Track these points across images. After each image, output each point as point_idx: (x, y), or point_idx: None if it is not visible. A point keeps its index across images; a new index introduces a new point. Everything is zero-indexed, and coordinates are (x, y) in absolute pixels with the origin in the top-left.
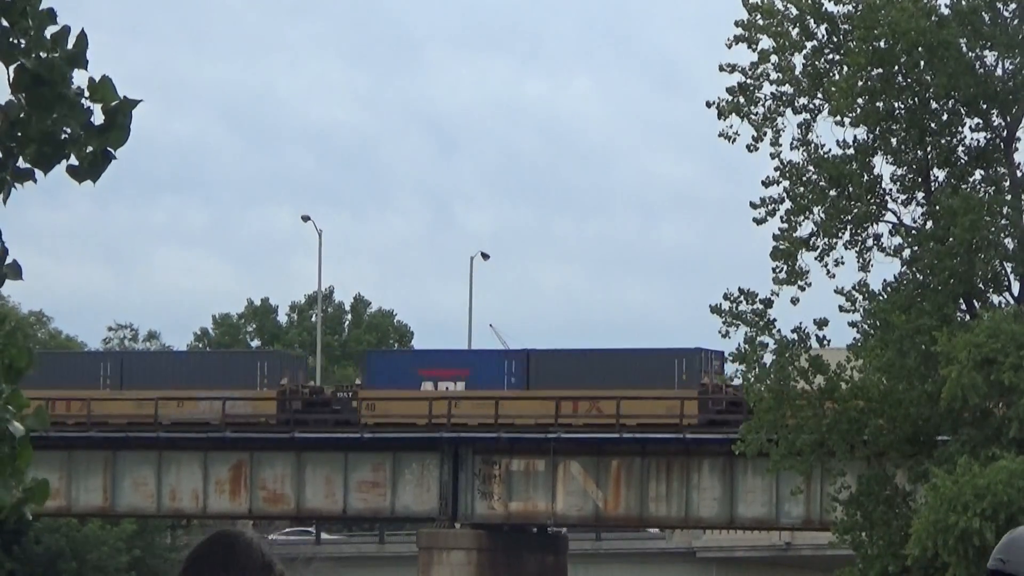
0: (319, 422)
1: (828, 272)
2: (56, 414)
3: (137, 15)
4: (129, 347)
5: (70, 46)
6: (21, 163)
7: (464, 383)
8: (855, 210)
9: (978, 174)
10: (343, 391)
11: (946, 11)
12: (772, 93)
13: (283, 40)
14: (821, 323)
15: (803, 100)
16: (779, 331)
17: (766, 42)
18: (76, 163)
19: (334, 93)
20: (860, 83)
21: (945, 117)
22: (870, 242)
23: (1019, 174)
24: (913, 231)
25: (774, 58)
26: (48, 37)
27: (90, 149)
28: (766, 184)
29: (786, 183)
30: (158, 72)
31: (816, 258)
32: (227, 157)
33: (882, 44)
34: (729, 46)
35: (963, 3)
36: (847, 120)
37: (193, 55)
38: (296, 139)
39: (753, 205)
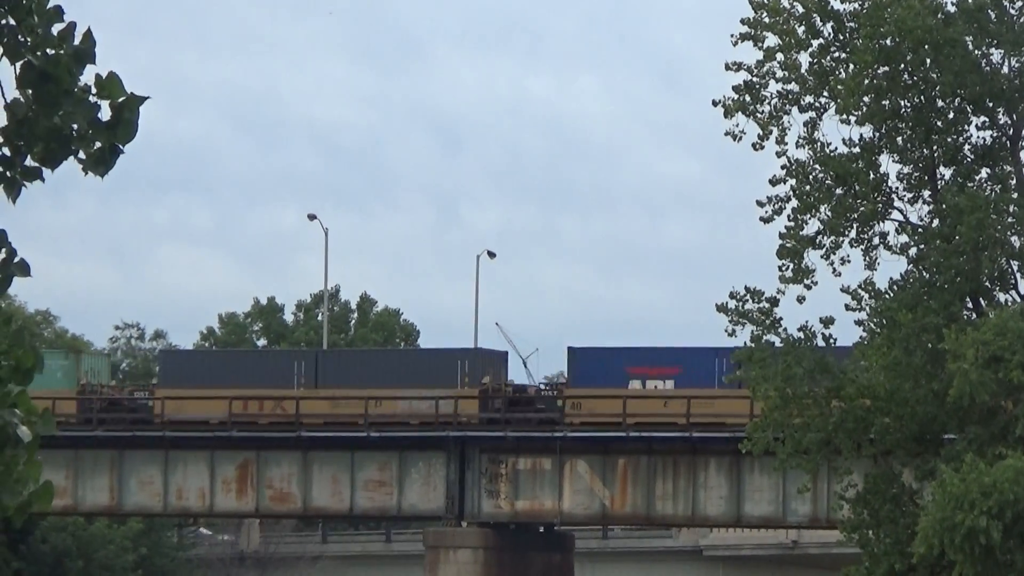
0: (521, 421)
1: (834, 270)
2: (249, 413)
3: (142, 14)
4: (136, 346)
5: (76, 43)
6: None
7: (673, 381)
8: (861, 208)
9: (984, 172)
10: (549, 390)
11: (952, 9)
12: (778, 91)
13: (288, 39)
14: (827, 322)
15: (809, 98)
16: (785, 330)
17: (772, 40)
18: (84, 157)
19: (339, 92)
20: (866, 81)
21: (951, 115)
22: (876, 240)
23: None
24: (919, 229)
25: (780, 56)
26: (55, 34)
27: (98, 145)
28: (772, 182)
29: (792, 181)
30: (163, 71)
31: (822, 256)
32: (233, 156)
33: (888, 42)
34: (735, 44)
35: (969, 1)
36: (853, 118)
37: (198, 54)
38: (302, 138)
39: (759, 203)
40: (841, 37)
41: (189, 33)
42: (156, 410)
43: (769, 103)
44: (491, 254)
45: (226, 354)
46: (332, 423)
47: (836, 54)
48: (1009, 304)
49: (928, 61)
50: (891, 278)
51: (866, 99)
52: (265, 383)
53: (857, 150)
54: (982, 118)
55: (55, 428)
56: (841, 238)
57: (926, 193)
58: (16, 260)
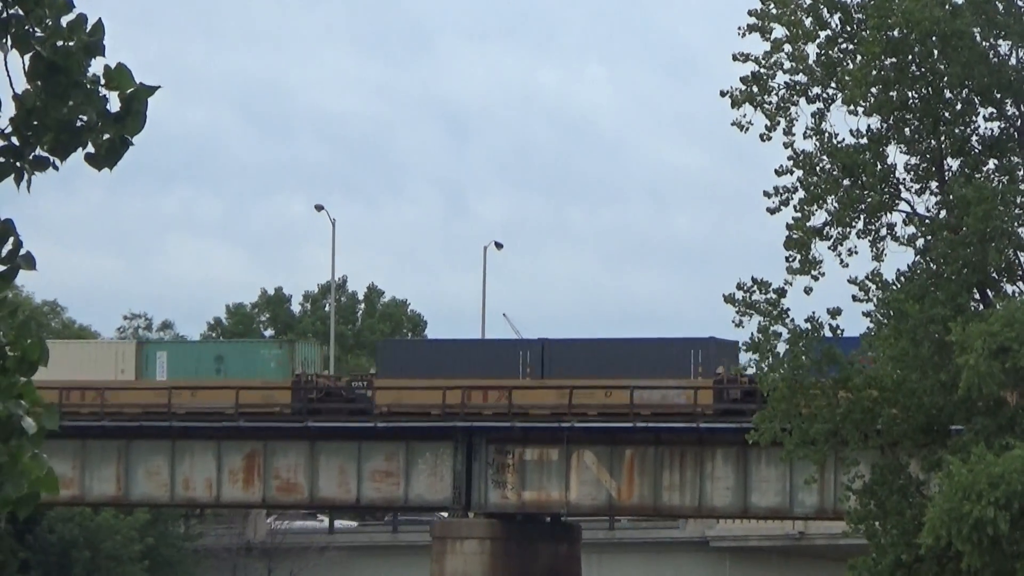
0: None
1: (842, 262)
2: (472, 404)
3: (150, 4)
4: (143, 336)
5: (86, 35)
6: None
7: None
8: (869, 199)
9: (992, 163)
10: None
11: (960, 0)
12: (785, 82)
13: (296, 30)
14: (834, 313)
15: (816, 89)
16: (792, 320)
17: (779, 31)
18: (93, 151)
19: (347, 83)
20: (874, 72)
21: (959, 106)
22: (884, 231)
23: None
24: (927, 220)
25: (787, 47)
26: (64, 26)
27: (107, 136)
28: (779, 173)
29: (799, 172)
30: (172, 62)
31: (829, 247)
32: (241, 147)
33: (896, 33)
34: (742, 35)
35: None
36: (861, 109)
37: (206, 45)
38: (309, 129)
39: (766, 194)
40: (848, 28)
41: (197, 24)
42: (379, 400)
43: (776, 94)
44: (498, 245)
45: (449, 344)
46: (558, 413)
47: (843, 45)
48: (1016, 295)
49: (936, 52)
50: (898, 269)
51: (873, 90)
52: (489, 373)
53: (864, 141)
54: (990, 109)
55: (58, 423)
56: (848, 229)
57: (933, 184)
58: (22, 253)
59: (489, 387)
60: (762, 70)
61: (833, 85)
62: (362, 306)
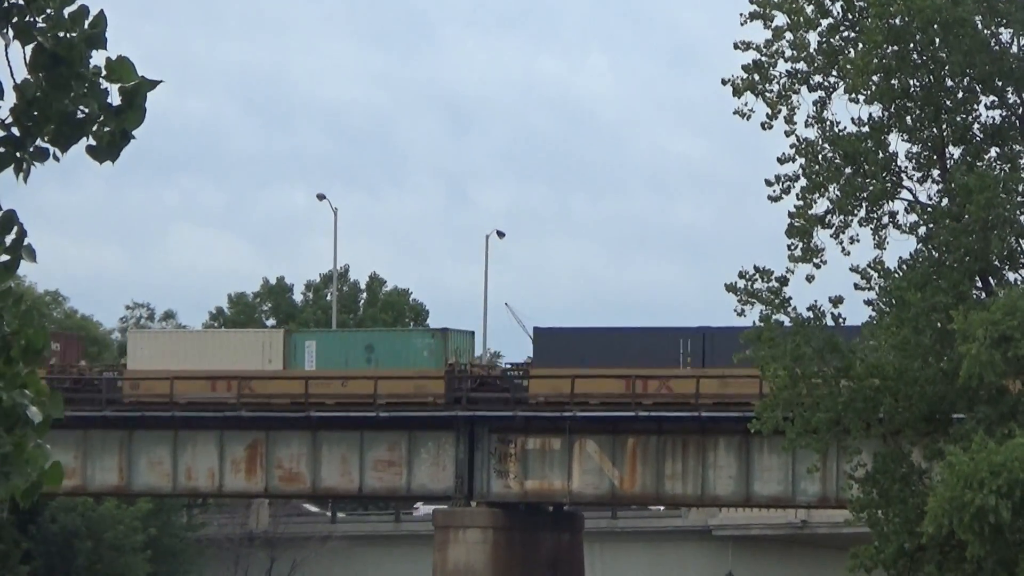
0: None
1: (843, 250)
2: (635, 394)
3: None
4: (146, 326)
5: (88, 26)
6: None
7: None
8: (870, 187)
9: (993, 151)
10: None
11: None
12: (787, 70)
13: (298, 19)
14: (836, 301)
15: (818, 78)
16: (795, 309)
17: (781, 19)
18: (94, 143)
19: (349, 72)
20: (875, 60)
21: (960, 95)
22: (885, 219)
23: None
24: (928, 208)
25: (789, 35)
26: (66, 16)
27: (107, 129)
28: (781, 161)
29: (801, 160)
30: (172, 52)
31: (831, 235)
32: (242, 137)
33: (897, 21)
34: (744, 23)
35: None
36: (862, 97)
37: (207, 35)
38: (311, 118)
39: (768, 183)
40: (850, 16)
41: (198, 13)
42: (534, 390)
43: (778, 82)
44: (500, 234)
45: (607, 332)
46: (725, 403)
47: (845, 33)
48: (1018, 283)
49: (937, 40)
50: (900, 257)
51: (875, 78)
52: (650, 362)
53: (866, 129)
54: (991, 97)
55: (63, 412)
56: (850, 217)
57: (935, 172)
58: (23, 244)
59: (650, 376)
60: (764, 58)
61: (835, 73)
62: (364, 295)
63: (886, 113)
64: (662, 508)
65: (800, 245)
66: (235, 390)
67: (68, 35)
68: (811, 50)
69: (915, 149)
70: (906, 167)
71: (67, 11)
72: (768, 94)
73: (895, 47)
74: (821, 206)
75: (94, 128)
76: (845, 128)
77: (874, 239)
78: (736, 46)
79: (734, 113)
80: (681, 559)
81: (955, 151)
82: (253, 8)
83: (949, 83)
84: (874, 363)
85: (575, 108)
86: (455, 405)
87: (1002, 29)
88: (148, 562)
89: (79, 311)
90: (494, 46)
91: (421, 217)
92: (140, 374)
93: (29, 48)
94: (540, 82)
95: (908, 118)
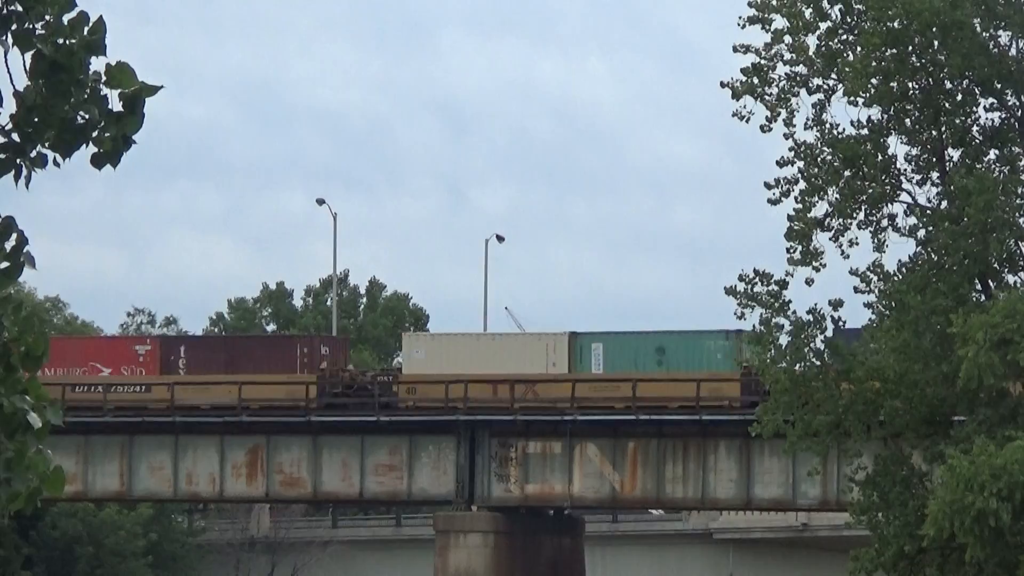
0: None
1: (843, 253)
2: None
3: None
4: (146, 332)
5: (87, 32)
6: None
7: None
8: (870, 190)
9: (993, 154)
10: None
11: None
12: (786, 73)
13: (295, 23)
14: (836, 304)
15: (817, 80)
16: (794, 312)
17: (780, 22)
18: (95, 149)
19: (347, 76)
20: (874, 63)
21: (959, 97)
22: (885, 222)
23: None
24: (928, 211)
25: (788, 38)
26: (65, 23)
27: (108, 135)
28: (780, 165)
29: (800, 164)
30: (170, 56)
31: (831, 239)
32: (241, 141)
33: (896, 24)
34: (742, 26)
35: None
36: (861, 100)
37: (205, 39)
38: (309, 123)
39: (767, 186)
40: (849, 19)
41: (196, 18)
42: None
43: (777, 85)
44: (500, 238)
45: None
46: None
47: (844, 36)
48: (1018, 286)
49: (936, 43)
50: (900, 260)
51: (874, 81)
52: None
53: (865, 132)
54: (990, 100)
55: (62, 419)
56: (849, 220)
57: (934, 175)
58: (24, 251)
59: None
60: (762, 61)
61: (834, 76)
62: (364, 300)
63: (885, 116)
64: (662, 512)
65: (799, 248)
66: (516, 393)
67: (68, 42)
68: (810, 53)
69: (914, 152)
70: (905, 170)
71: (66, 18)
72: (767, 97)
73: (894, 50)
74: (820, 209)
75: (94, 134)
76: (844, 131)
77: (873, 242)
78: (735, 49)
79: (733, 116)
80: (682, 563)
81: (954, 154)
82: (251, 12)
83: (948, 86)
84: (874, 366)
85: (574, 111)
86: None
87: (1001, 32)
88: (149, 567)
89: (79, 317)
90: (492, 49)
91: (421, 221)
92: (416, 378)
93: (29, 55)
94: (538, 85)
95: (907, 121)
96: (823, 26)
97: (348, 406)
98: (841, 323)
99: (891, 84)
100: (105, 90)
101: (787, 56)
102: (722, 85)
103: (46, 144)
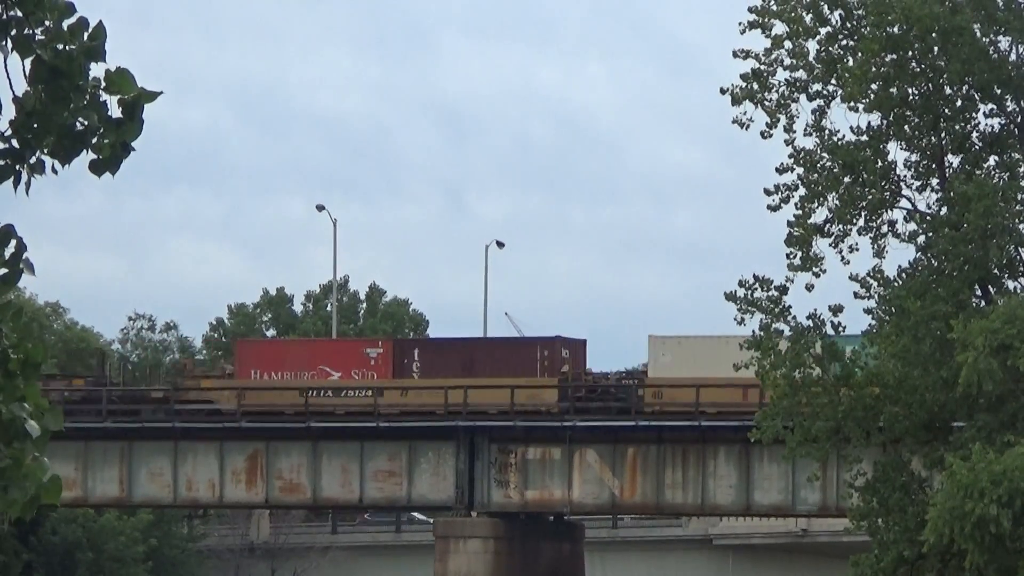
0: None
1: (843, 258)
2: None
3: (148, 4)
4: (146, 337)
5: (87, 38)
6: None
7: None
8: (869, 196)
9: (992, 160)
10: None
11: None
12: (786, 79)
13: (295, 29)
14: (836, 309)
15: (817, 86)
16: (794, 318)
17: (780, 28)
18: (94, 156)
19: (346, 82)
20: (874, 69)
21: (959, 103)
22: (885, 228)
23: None
24: (928, 217)
25: (788, 44)
26: (65, 29)
27: (107, 142)
28: (780, 171)
29: (800, 170)
30: (170, 62)
31: (831, 244)
32: (240, 147)
33: (896, 30)
34: (742, 32)
35: None
36: (861, 106)
37: (205, 45)
38: (309, 128)
39: (767, 192)
40: (849, 25)
41: (195, 24)
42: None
43: (777, 91)
44: (500, 244)
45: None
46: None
47: (844, 42)
48: (1018, 292)
49: (936, 49)
50: (899, 266)
51: (874, 87)
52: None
53: (865, 138)
54: (990, 105)
55: (62, 425)
56: (849, 226)
57: (934, 181)
58: (23, 257)
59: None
60: (762, 67)
61: (833, 82)
62: (364, 306)
63: (885, 122)
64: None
65: (799, 254)
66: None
67: (67, 47)
68: (810, 59)
69: (914, 158)
70: (905, 176)
71: (66, 23)
72: (767, 103)
73: (894, 55)
74: (820, 215)
75: (94, 140)
76: (844, 137)
77: (873, 248)
78: (735, 55)
79: (733, 122)
80: (682, 568)
81: (954, 159)
82: (251, 18)
83: (948, 91)
84: (874, 371)
85: (573, 117)
86: (456, 416)
87: (1000, 37)
88: (149, 573)
89: (79, 323)
90: (492, 55)
91: (420, 227)
92: (663, 381)
93: (28, 61)
94: (538, 91)
95: (907, 127)
96: (823, 31)
97: (590, 411)
98: (841, 329)
99: (891, 90)
100: (104, 96)
101: (787, 61)
102: (722, 91)
103: (45, 150)
